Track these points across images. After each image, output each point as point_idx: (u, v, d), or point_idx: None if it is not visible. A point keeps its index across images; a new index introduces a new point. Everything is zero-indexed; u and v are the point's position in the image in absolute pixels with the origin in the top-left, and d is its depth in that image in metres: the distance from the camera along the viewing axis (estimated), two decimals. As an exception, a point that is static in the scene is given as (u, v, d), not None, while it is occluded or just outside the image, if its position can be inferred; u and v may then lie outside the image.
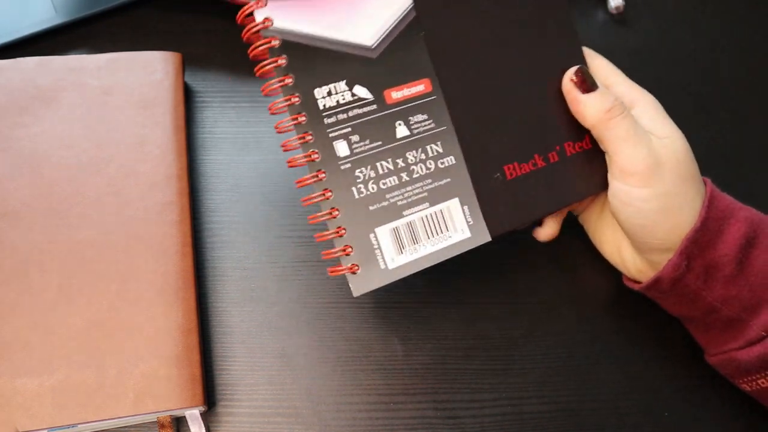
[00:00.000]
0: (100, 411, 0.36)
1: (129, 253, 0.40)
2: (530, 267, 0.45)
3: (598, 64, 0.40)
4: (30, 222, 0.40)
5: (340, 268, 0.35)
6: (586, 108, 0.38)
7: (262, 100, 0.49)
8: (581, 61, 0.40)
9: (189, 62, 0.50)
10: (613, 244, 0.42)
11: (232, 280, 0.43)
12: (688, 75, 0.51)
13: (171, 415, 0.38)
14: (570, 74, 0.39)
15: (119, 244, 0.40)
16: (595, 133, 0.38)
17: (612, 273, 0.44)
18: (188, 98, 0.49)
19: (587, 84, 0.38)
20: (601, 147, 0.39)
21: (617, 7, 0.52)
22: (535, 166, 0.38)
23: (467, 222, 0.36)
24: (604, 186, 0.40)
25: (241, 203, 0.46)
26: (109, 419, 0.37)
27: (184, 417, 0.39)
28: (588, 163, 0.39)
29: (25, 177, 0.42)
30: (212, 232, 0.44)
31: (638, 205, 0.37)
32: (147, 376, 0.37)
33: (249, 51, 0.35)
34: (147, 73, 0.45)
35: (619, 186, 0.37)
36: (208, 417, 0.39)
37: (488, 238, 0.37)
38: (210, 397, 0.40)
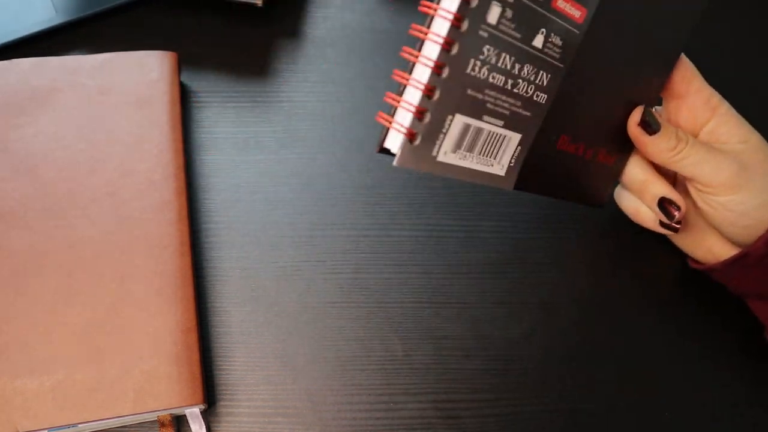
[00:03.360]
0: (100, 410, 0.36)
1: (127, 252, 0.40)
2: (530, 267, 0.45)
3: (685, 66, 0.41)
4: (27, 223, 0.40)
5: (398, 123, 0.31)
6: (655, 150, 0.39)
7: (262, 100, 0.49)
8: (664, 81, 0.41)
9: (189, 62, 0.50)
10: (704, 247, 0.42)
11: (232, 279, 0.43)
12: (687, 75, 0.51)
13: (171, 414, 0.38)
14: (636, 119, 0.40)
15: (117, 244, 0.40)
16: (668, 168, 0.40)
17: (612, 273, 0.44)
18: (188, 98, 0.49)
19: (652, 126, 0.39)
20: (682, 177, 0.41)
21: (617, 7, 0.52)
22: (577, 151, 0.39)
23: (510, 162, 0.36)
24: (589, 202, 0.42)
25: (241, 203, 0.46)
26: (109, 418, 0.37)
27: (185, 416, 0.39)
28: (600, 177, 0.41)
29: (22, 178, 0.42)
30: (212, 232, 0.44)
31: (739, 210, 0.38)
32: (147, 375, 0.37)
33: None
34: (143, 73, 0.45)
35: (715, 199, 0.39)
36: (208, 416, 0.39)
37: (511, 188, 0.37)
38: (210, 397, 0.40)
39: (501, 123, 0.35)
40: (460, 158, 0.34)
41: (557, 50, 0.35)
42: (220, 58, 0.50)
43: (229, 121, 0.48)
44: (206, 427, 0.38)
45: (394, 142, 0.31)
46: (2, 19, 0.49)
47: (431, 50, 0.30)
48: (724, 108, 0.40)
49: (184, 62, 0.50)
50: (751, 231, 0.38)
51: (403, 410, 0.40)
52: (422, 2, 0.31)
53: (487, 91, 0.33)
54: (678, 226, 0.41)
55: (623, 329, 0.43)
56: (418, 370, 0.41)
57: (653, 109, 0.40)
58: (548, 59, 0.35)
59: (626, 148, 0.42)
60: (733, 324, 0.43)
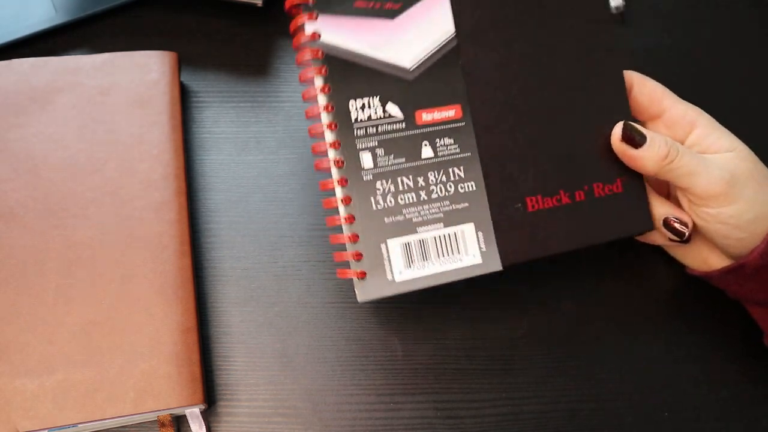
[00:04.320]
0: (100, 410, 0.36)
1: (127, 252, 0.40)
2: (530, 267, 0.45)
3: (651, 88, 0.40)
4: (27, 223, 0.40)
5: (348, 271, 0.36)
6: (645, 161, 0.38)
7: (262, 100, 0.49)
8: (624, 102, 0.40)
9: (189, 62, 0.50)
10: (699, 259, 0.42)
11: (232, 280, 0.43)
12: (688, 75, 0.51)
13: (171, 414, 0.38)
14: (618, 134, 0.39)
15: (117, 244, 0.40)
16: (660, 177, 0.39)
17: (611, 274, 0.44)
18: (188, 98, 0.49)
19: (636, 139, 0.38)
20: (674, 186, 0.40)
21: (617, 7, 0.52)
22: (560, 202, 0.38)
23: (480, 248, 0.37)
24: (630, 232, 0.40)
25: (241, 203, 0.46)
26: (109, 419, 0.37)
27: (185, 416, 0.39)
28: (617, 207, 0.39)
29: (22, 178, 0.42)
30: (212, 232, 0.44)
31: (732, 222, 0.37)
32: (147, 375, 0.37)
33: (296, 58, 0.37)
34: (143, 73, 0.45)
35: (707, 211, 0.38)
36: (208, 416, 0.39)
37: (499, 267, 0.37)
38: (210, 397, 0.40)
39: (440, 225, 0.37)
40: (420, 269, 0.36)
41: (453, 147, 0.37)
42: (220, 58, 0.50)
43: (229, 121, 0.48)
44: (206, 427, 0.38)
45: (355, 283, 0.36)
46: (2, 19, 0.49)
47: (338, 194, 0.36)
48: (704, 120, 0.39)
49: (184, 62, 0.50)
50: (745, 243, 0.38)
51: (403, 410, 0.40)
52: (315, 167, 0.37)
53: (404, 211, 0.36)
54: (688, 240, 0.40)
55: (623, 329, 0.43)
56: (418, 370, 0.41)
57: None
58: (449, 158, 0.37)
59: (623, 169, 0.40)
60: (733, 324, 0.43)
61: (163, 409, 0.37)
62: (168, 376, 0.37)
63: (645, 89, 0.40)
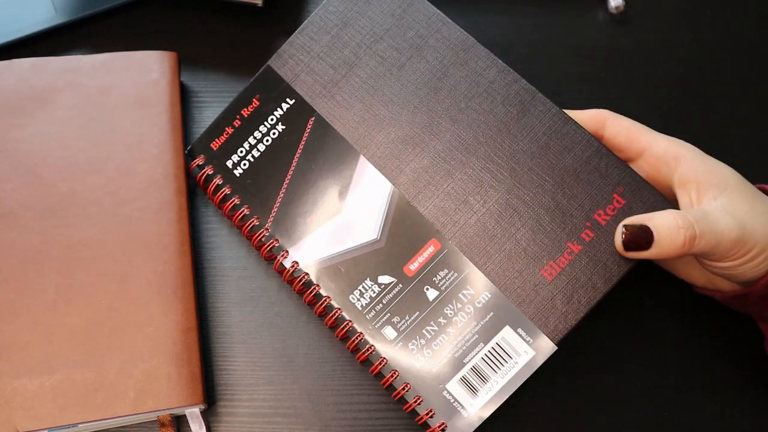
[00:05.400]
0: (100, 410, 0.36)
1: (127, 252, 0.40)
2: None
3: (627, 127, 0.39)
4: (28, 223, 0.40)
5: (430, 430, 0.37)
6: (663, 257, 0.35)
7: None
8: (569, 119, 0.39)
9: (189, 62, 0.50)
10: (705, 280, 0.40)
11: (232, 279, 0.43)
12: (688, 75, 0.51)
13: (171, 414, 0.38)
14: (619, 244, 0.35)
15: (117, 244, 0.40)
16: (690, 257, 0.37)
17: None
18: (188, 98, 0.49)
19: (643, 237, 0.35)
20: (703, 263, 0.37)
21: (617, 7, 0.52)
22: (572, 254, 0.37)
23: (527, 342, 0.37)
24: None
25: (241, 203, 0.45)
26: (109, 419, 0.37)
27: (185, 415, 0.39)
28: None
29: (22, 178, 0.42)
30: (212, 232, 0.44)
31: (738, 271, 0.35)
32: (147, 375, 0.37)
33: (293, 287, 0.40)
34: (143, 73, 0.45)
35: (716, 265, 0.36)
36: (208, 416, 0.39)
37: (554, 348, 0.37)
38: (210, 397, 0.40)
39: (481, 345, 0.37)
40: (487, 392, 0.37)
41: (451, 274, 0.38)
42: (220, 58, 0.50)
43: (229, 121, 0.48)
44: (206, 427, 0.38)
45: None
46: (2, 19, 0.49)
47: (386, 372, 0.38)
48: (687, 154, 0.37)
49: (184, 62, 0.50)
50: (754, 275, 0.36)
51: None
52: (357, 357, 0.39)
53: (444, 353, 0.38)
54: None
55: (623, 330, 0.43)
56: (418, 370, 0.41)
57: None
58: (453, 286, 0.38)
59: (617, 178, 0.38)
60: (733, 324, 0.43)
61: (163, 409, 0.37)
62: (168, 376, 0.37)
63: (621, 128, 0.39)
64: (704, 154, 0.38)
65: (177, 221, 0.41)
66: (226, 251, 0.44)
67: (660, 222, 0.35)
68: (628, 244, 0.35)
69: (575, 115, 0.40)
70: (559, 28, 0.52)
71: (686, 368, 0.42)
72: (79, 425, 0.37)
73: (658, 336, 0.43)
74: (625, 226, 0.36)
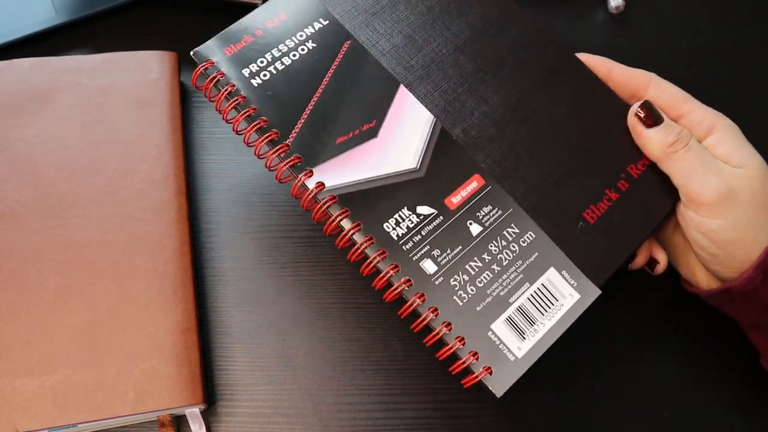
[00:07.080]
0: (100, 410, 0.36)
1: (127, 252, 0.40)
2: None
3: (669, 92, 0.40)
4: (28, 223, 0.40)
5: (473, 376, 0.34)
6: (649, 142, 0.38)
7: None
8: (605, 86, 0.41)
9: (189, 62, 0.50)
10: (687, 267, 0.41)
11: (232, 280, 0.43)
12: (688, 75, 0.51)
13: (171, 414, 0.38)
14: (635, 108, 0.39)
15: (117, 244, 0.40)
16: (660, 166, 0.38)
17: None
18: (188, 98, 0.49)
19: (653, 118, 0.38)
20: (671, 180, 0.38)
21: (617, 7, 0.52)
22: (611, 201, 0.39)
23: (571, 285, 0.36)
24: (675, 194, 0.39)
25: (241, 203, 0.46)
26: (109, 419, 0.37)
27: (185, 416, 0.39)
28: (659, 176, 0.39)
29: (22, 178, 0.42)
30: (212, 232, 0.44)
31: (711, 236, 0.36)
32: (147, 375, 0.37)
33: (312, 216, 0.36)
34: (143, 73, 0.45)
35: (691, 215, 0.37)
36: (208, 416, 0.39)
37: (598, 291, 0.36)
38: (210, 397, 0.40)
39: (527, 285, 0.36)
40: (534, 334, 0.35)
41: (495, 211, 0.37)
42: (220, 58, 0.50)
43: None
44: (206, 427, 0.38)
45: (486, 382, 0.34)
46: (2, 19, 0.49)
47: (423, 310, 0.35)
48: (722, 127, 0.38)
49: (184, 62, 0.50)
50: (719, 260, 0.37)
51: (403, 410, 0.40)
52: (385, 296, 0.36)
53: (489, 291, 0.36)
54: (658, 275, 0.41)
55: (623, 330, 0.43)
56: (418, 370, 0.41)
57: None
58: (497, 223, 0.37)
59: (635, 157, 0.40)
60: (733, 324, 0.43)
61: (163, 409, 0.37)
62: (168, 376, 0.37)
63: (663, 93, 0.40)
64: (741, 135, 0.39)
65: (177, 221, 0.41)
66: (227, 251, 0.44)
67: (672, 123, 0.38)
68: (642, 113, 0.38)
69: (622, 68, 0.41)
70: (559, 28, 0.52)
71: (686, 368, 0.42)
72: (79, 425, 0.37)
73: (658, 336, 0.43)
74: (646, 102, 0.39)
